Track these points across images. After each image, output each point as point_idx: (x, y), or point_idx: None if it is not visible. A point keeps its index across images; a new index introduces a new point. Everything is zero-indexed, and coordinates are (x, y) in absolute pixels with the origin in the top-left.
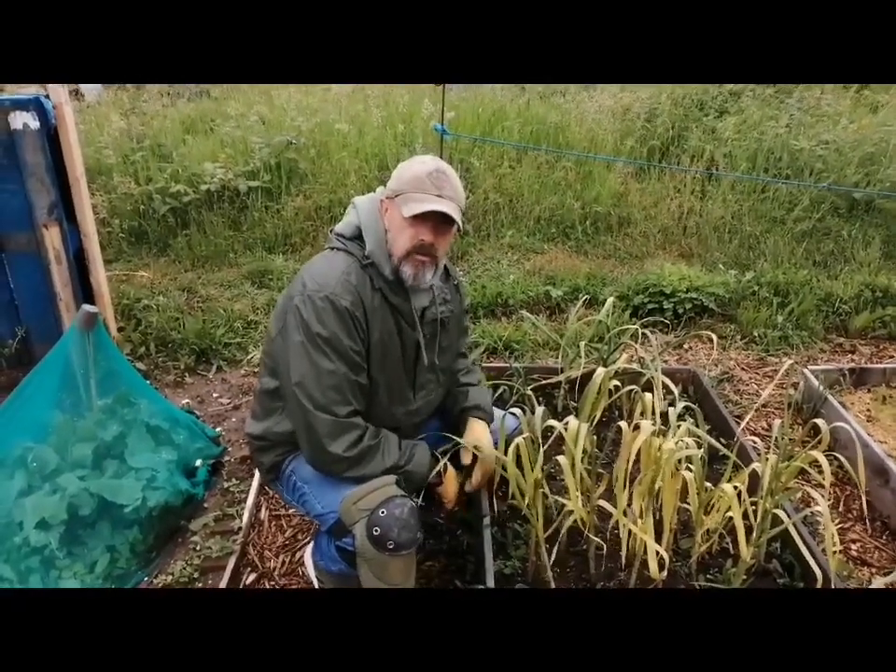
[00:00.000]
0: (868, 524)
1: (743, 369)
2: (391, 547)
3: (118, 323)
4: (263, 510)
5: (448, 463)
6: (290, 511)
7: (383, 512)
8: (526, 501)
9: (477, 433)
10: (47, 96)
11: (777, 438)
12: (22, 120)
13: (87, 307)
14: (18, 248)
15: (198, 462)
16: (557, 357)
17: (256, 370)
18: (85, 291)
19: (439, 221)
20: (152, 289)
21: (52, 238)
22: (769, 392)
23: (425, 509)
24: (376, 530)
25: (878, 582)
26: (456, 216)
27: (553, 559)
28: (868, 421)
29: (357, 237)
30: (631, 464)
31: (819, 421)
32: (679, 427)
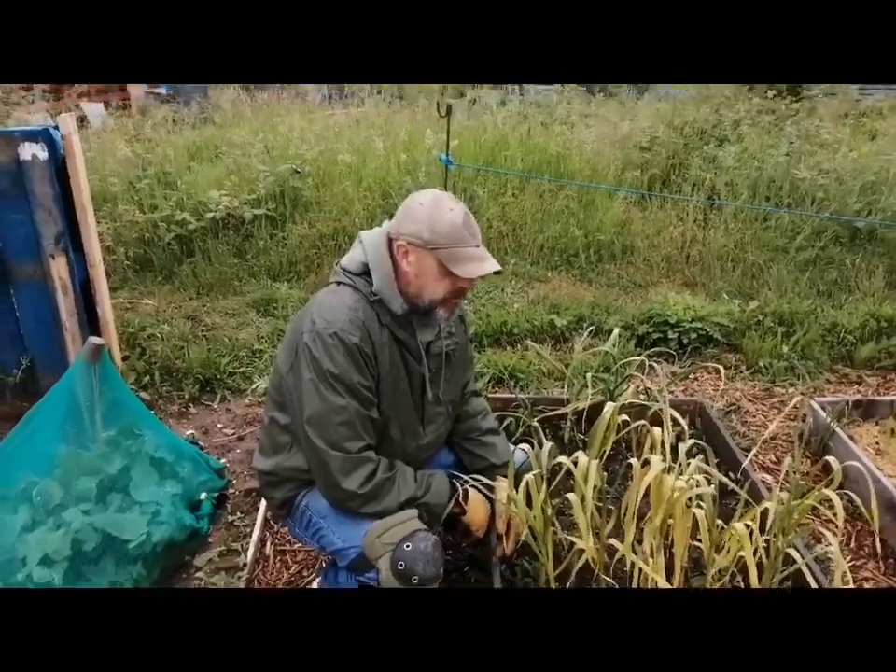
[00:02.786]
0: (881, 561)
1: (749, 400)
2: (416, 581)
3: (122, 352)
4: (269, 544)
5: (472, 488)
6: (296, 545)
7: (407, 546)
8: (534, 534)
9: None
10: (56, 127)
11: (787, 473)
12: (31, 151)
13: (93, 339)
14: (24, 278)
15: (202, 495)
16: (563, 387)
17: (261, 399)
18: (91, 320)
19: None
20: (157, 318)
21: (59, 268)
22: (776, 424)
23: (451, 534)
24: (401, 564)
25: None
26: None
27: None
28: (877, 455)
29: (364, 273)
30: (640, 499)
31: (831, 459)
32: (688, 464)
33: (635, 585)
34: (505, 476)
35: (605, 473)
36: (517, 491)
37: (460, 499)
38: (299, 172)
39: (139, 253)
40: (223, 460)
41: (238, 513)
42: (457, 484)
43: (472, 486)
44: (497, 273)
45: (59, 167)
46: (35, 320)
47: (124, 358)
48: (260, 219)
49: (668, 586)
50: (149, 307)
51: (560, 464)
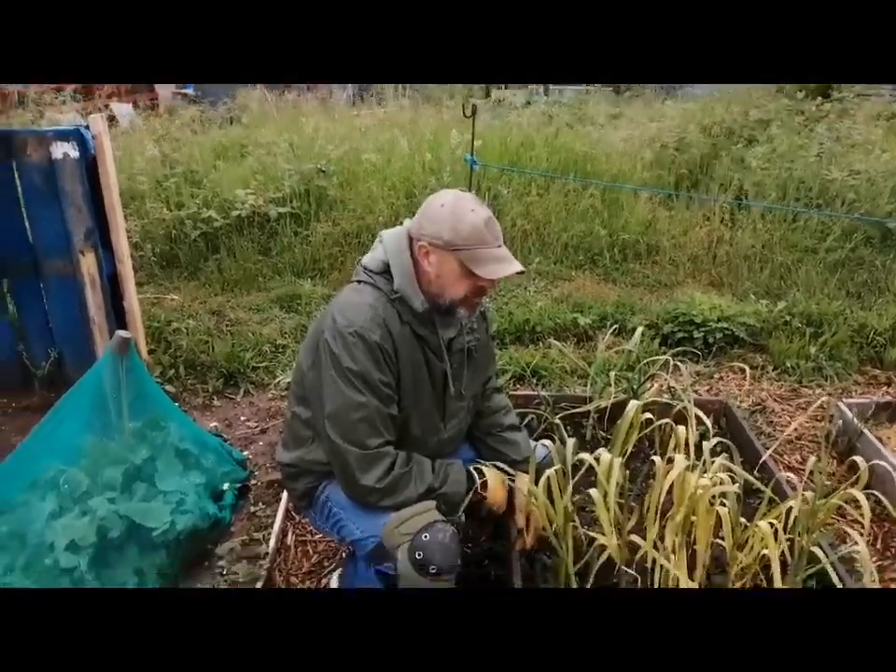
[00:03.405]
0: None
1: (776, 400)
2: (433, 572)
3: (148, 346)
4: (290, 535)
5: (489, 469)
6: (317, 536)
7: (425, 537)
8: (554, 529)
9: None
10: (86, 126)
11: (812, 472)
12: (63, 150)
13: (121, 333)
14: (54, 273)
15: (225, 486)
16: (585, 386)
17: (283, 393)
18: (118, 314)
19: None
20: (182, 312)
21: (88, 264)
22: (799, 422)
23: (469, 526)
24: (419, 555)
25: None
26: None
27: None
28: None
29: (384, 272)
30: (663, 497)
31: (858, 458)
32: (713, 462)
33: (656, 582)
34: (526, 472)
35: (627, 471)
36: (538, 485)
37: (478, 489)
38: (324, 171)
39: (165, 249)
40: (246, 452)
41: (260, 504)
42: (475, 474)
43: (489, 467)
44: (519, 273)
45: (89, 166)
46: (64, 314)
47: (150, 352)
48: (285, 217)
49: (690, 583)
50: (175, 302)
51: (581, 460)
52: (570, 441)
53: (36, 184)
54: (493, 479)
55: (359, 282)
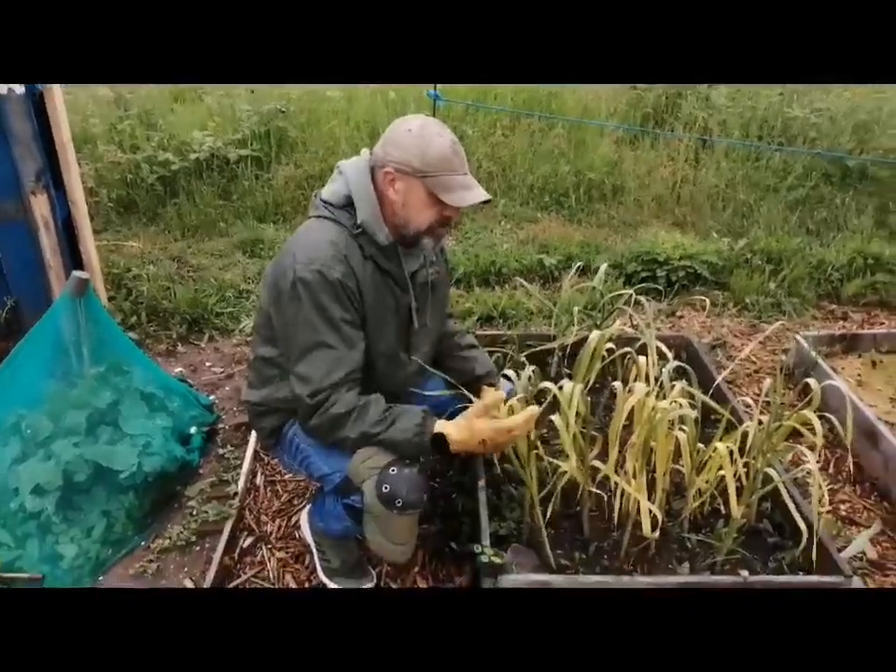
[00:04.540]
0: (857, 485)
1: (735, 335)
2: (399, 505)
3: (108, 292)
4: (259, 475)
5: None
6: (287, 476)
7: (392, 471)
8: (521, 462)
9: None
10: None
11: (767, 396)
12: (7, 86)
13: (77, 273)
14: (5, 217)
15: (192, 429)
16: (551, 325)
17: (248, 339)
18: (74, 260)
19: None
20: (142, 259)
21: (40, 205)
22: (751, 349)
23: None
24: (385, 488)
25: (862, 538)
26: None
27: (547, 520)
28: (859, 386)
29: (346, 205)
30: (624, 424)
31: (811, 381)
32: (672, 387)
33: (617, 507)
34: (491, 386)
35: (590, 400)
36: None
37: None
38: (284, 111)
39: (122, 195)
40: (212, 397)
41: (228, 447)
42: (432, 421)
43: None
44: (486, 202)
45: (36, 102)
46: (18, 260)
47: (110, 299)
48: (245, 160)
49: (650, 505)
50: (134, 249)
51: (546, 392)
52: (529, 368)
53: None
54: (454, 429)
55: (318, 217)
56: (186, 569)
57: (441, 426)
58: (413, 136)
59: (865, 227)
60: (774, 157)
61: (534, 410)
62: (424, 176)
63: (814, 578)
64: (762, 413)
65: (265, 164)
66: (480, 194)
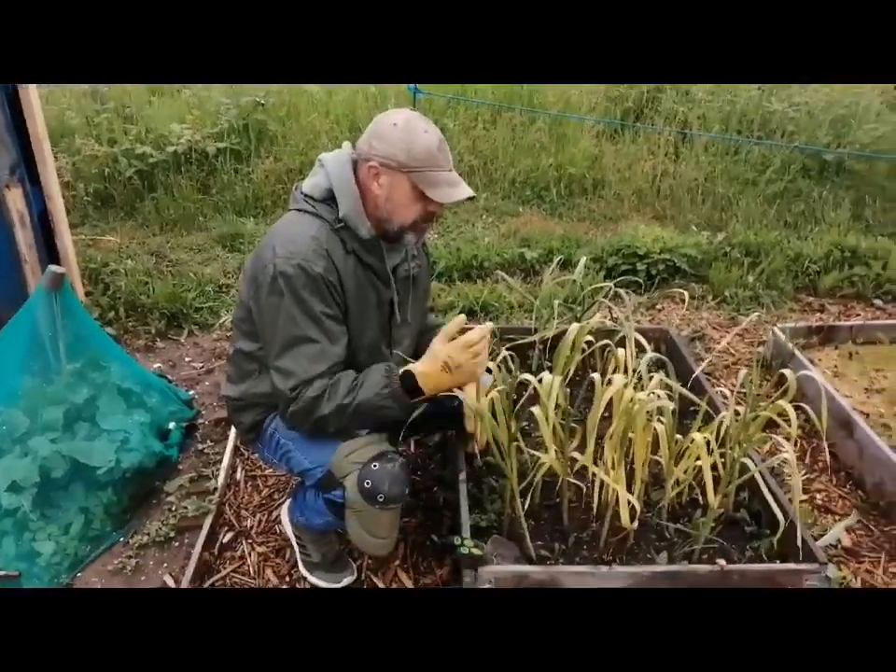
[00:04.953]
0: (832, 474)
1: (714, 328)
2: (381, 500)
3: (85, 287)
4: (239, 470)
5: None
6: (267, 471)
7: (375, 466)
8: (502, 455)
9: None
10: None
11: (744, 386)
12: None
13: (53, 267)
14: None
15: (171, 424)
16: (532, 319)
17: (228, 334)
18: (50, 255)
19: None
20: (120, 254)
21: (15, 199)
22: (729, 340)
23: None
24: (367, 483)
25: (838, 527)
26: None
27: (526, 511)
28: (835, 377)
29: (327, 199)
30: (603, 416)
31: (787, 371)
32: (650, 378)
33: (596, 497)
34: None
35: (569, 393)
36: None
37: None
38: (262, 104)
39: (100, 189)
40: (191, 392)
41: (208, 442)
42: (395, 368)
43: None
44: (470, 198)
45: (10, 94)
46: None
47: (87, 294)
48: (224, 153)
49: (629, 496)
50: (112, 243)
51: (526, 384)
52: (504, 351)
53: None
54: (425, 372)
55: (300, 210)
56: (165, 565)
57: (406, 368)
58: (398, 131)
59: (842, 220)
60: (753, 151)
61: (489, 326)
62: (409, 171)
63: (790, 565)
64: (738, 403)
65: (244, 158)
66: (465, 191)
